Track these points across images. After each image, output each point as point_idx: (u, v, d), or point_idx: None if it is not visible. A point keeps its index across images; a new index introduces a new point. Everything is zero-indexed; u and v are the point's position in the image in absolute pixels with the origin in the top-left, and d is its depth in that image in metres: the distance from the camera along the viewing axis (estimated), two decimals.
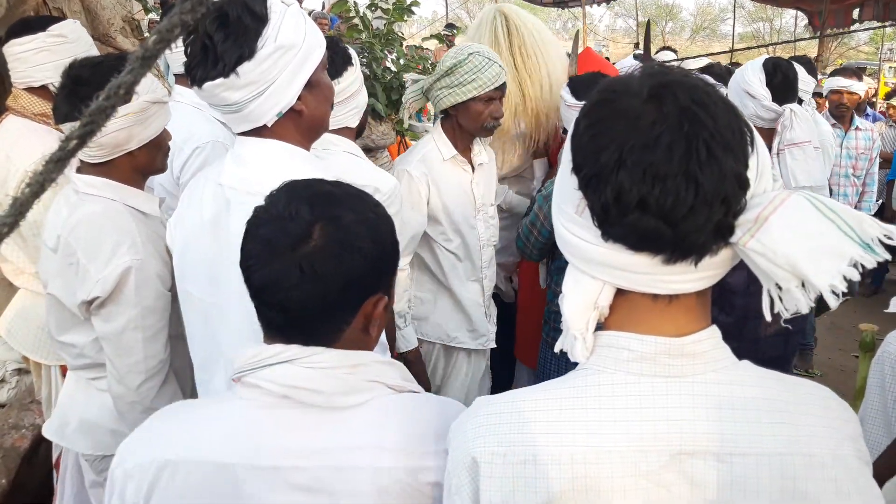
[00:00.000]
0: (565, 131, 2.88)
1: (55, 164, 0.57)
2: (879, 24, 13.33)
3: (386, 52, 4.05)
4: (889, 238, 0.77)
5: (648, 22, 5.21)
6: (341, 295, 1.02)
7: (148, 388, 1.75)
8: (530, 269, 2.98)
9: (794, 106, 2.72)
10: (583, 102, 2.67)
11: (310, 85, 1.46)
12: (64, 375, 2.13)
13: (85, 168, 1.77)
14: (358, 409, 1.04)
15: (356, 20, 3.99)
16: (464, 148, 2.58)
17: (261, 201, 1.38)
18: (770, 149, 2.77)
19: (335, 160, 1.99)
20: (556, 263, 2.69)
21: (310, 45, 1.43)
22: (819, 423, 0.83)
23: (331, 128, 1.97)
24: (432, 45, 7.00)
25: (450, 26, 11.00)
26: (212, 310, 1.51)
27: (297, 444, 1.01)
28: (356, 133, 2.26)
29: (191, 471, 1.02)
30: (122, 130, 1.69)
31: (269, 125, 1.43)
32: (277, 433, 1.02)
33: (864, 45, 26.25)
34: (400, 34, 4.49)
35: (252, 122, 1.42)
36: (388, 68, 3.98)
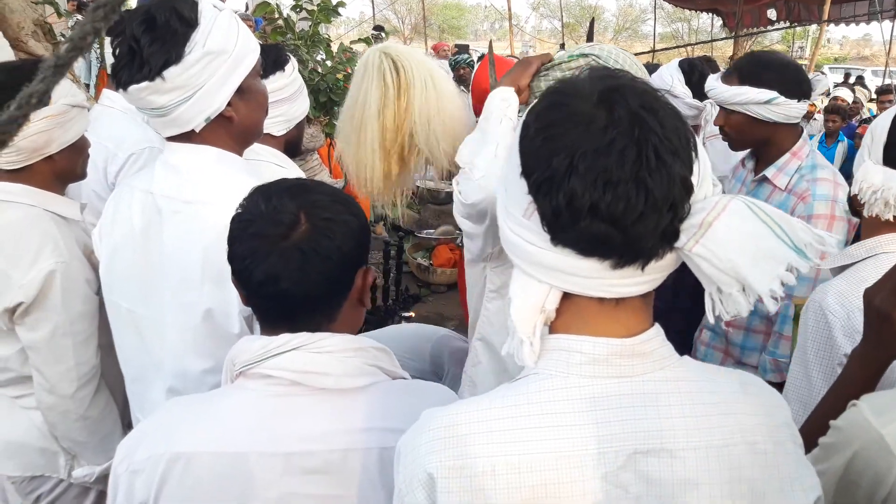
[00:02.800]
0: None
1: None
2: (789, 25, 13.95)
3: (312, 53, 4.02)
4: (822, 243, 0.80)
5: (592, 20, 5.26)
6: (339, 270, 1.09)
7: (82, 395, 1.70)
8: None
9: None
10: None
11: (241, 91, 1.44)
12: None
13: (1, 175, 1.70)
14: (362, 393, 1.09)
15: (280, 22, 3.94)
16: None
17: (196, 210, 1.37)
18: None
19: (263, 170, 1.91)
20: None
21: (241, 51, 1.41)
22: (757, 411, 0.85)
23: None
24: (360, 47, 6.97)
25: (378, 28, 10.98)
26: (144, 322, 1.47)
27: (308, 430, 1.05)
28: (293, 147, 2.17)
29: (204, 461, 1.04)
30: (41, 134, 1.63)
31: (198, 130, 1.41)
32: (288, 420, 1.06)
33: (777, 44, 27.40)
34: (326, 36, 4.45)
35: (179, 126, 1.40)
36: (316, 70, 3.94)
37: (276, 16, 3.95)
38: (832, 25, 12.96)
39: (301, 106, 2.13)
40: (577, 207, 0.77)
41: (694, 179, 0.80)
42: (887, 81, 10.17)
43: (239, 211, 1.12)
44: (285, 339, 1.07)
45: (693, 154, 0.81)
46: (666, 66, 2.99)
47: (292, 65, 2.08)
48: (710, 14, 15.96)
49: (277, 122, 2.08)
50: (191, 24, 1.33)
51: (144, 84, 1.31)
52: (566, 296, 0.85)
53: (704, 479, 0.80)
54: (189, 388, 1.41)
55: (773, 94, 2.02)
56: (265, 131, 2.00)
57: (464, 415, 0.84)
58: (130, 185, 1.52)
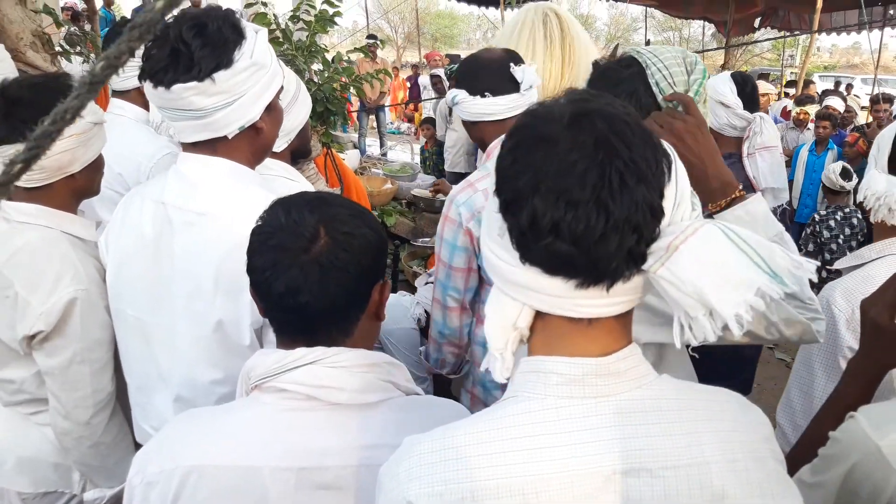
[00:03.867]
0: None
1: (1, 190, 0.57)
2: (780, 35, 14.07)
3: (309, 63, 4.04)
4: (798, 268, 0.80)
5: (615, 47, 5.24)
6: (357, 284, 1.11)
7: (97, 422, 1.68)
8: None
9: (762, 113, 2.99)
10: None
11: (269, 107, 1.48)
12: None
13: (17, 195, 1.67)
14: (376, 409, 1.11)
15: (277, 33, 3.96)
16: None
17: (209, 222, 1.38)
18: (741, 153, 2.97)
19: (275, 184, 1.91)
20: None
21: (275, 69, 1.47)
22: (737, 428, 0.86)
23: None
24: (356, 56, 7.01)
25: (371, 37, 11.02)
26: (153, 329, 1.48)
27: (322, 445, 1.07)
28: (300, 154, 2.17)
29: (218, 475, 1.05)
30: (66, 152, 1.63)
31: (230, 137, 1.44)
32: (302, 435, 1.07)
33: (767, 53, 27.56)
34: (323, 46, 4.48)
35: (213, 131, 1.42)
36: (313, 80, 3.96)
37: (273, 26, 3.97)
38: (822, 34, 13.07)
39: (297, 116, 2.08)
40: (539, 226, 0.78)
41: (666, 204, 0.81)
42: (878, 90, 10.24)
43: (259, 223, 1.14)
44: (301, 353, 1.08)
45: (665, 178, 0.81)
46: (717, 77, 3.06)
47: (290, 78, 2.06)
48: (702, 22, 16.09)
49: (280, 138, 2.04)
50: (241, 34, 1.39)
51: (192, 84, 1.33)
52: (540, 315, 0.86)
53: (685, 498, 0.81)
54: (198, 397, 1.43)
55: (455, 92, 2.01)
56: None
57: (443, 440, 0.85)
58: (141, 195, 1.54)
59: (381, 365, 1.14)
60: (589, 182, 0.76)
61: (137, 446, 1.76)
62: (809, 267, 0.82)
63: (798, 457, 1.25)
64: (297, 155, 2.19)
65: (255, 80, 1.42)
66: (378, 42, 7.41)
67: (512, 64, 1.98)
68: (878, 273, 1.58)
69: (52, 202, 1.68)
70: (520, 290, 0.84)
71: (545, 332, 0.86)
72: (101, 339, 1.67)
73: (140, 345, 1.52)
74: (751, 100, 2.99)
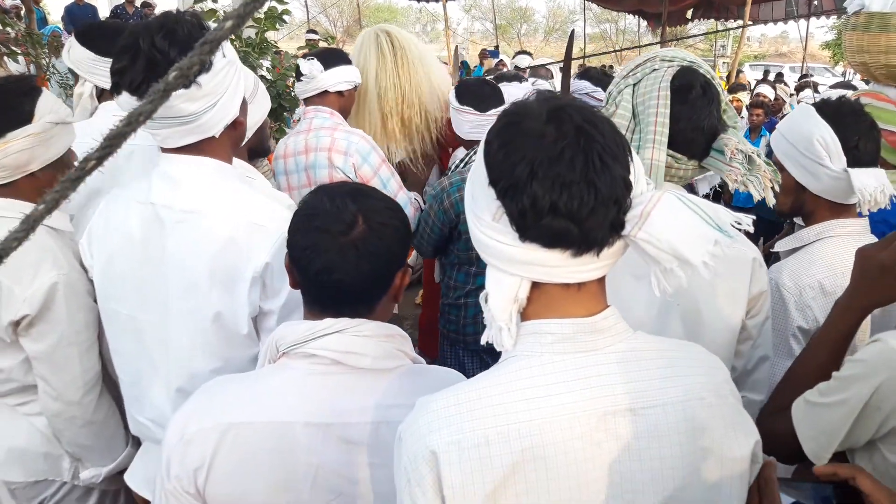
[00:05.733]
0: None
1: (71, 183, 0.64)
2: (714, 31, 14.54)
3: (259, 61, 4.07)
4: (738, 224, 0.97)
5: (572, 32, 5.28)
6: (384, 269, 1.23)
7: (87, 401, 1.74)
8: (428, 265, 3.13)
9: None
10: (466, 107, 2.80)
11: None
12: None
13: None
14: (391, 374, 1.23)
15: None
16: None
17: (200, 219, 1.45)
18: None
19: (257, 182, 1.92)
20: (449, 259, 2.86)
21: (239, 62, 1.53)
22: (703, 372, 1.02)
23: None
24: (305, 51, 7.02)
25: (311, 31, 11.00)
26: (145, 326, 1.54)
27: (346, 404, 1.19)
28: (257, 152, 2.22)
29: (255, 431, 1.16)
30: (23, 152, 1.65)
31: (217, 136, 1.49)
32: (329, 394, 1.19)
33: (700, 43, 28.38)
34: (273, 42, 4.51)
35: (202, 133, 1.47)
36: (265, 77, 4.00)
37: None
38: (752, 24, 13.56)
39: (256, 113, 2.08)
40: (539, 207, 0.91)
41: (632, 178, 0.95)
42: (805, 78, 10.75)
43: (302, 205, 1.25)
44: (329, 322, 1.20)
45: (629, 158, 0.96)
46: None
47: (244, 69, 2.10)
48: (636, 16, 16.51)
49: None
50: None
51: (181, 92, 1.37)
52: (535, 286, 0.98)
53: (664, 431, 0.96)
54: (198, 387, 1.47)
55: None
56: None
57: (455, 396, 0.97)
58: (125, 197, 1.57)
59: (395, 336, 1.26)
60: (577, 165, 0.90)
61: (135, 440, 1.81)
62: (747, 220, 0.98)
63: (791, 384, 1.43)
64: (253, 153, 2.23)
65: (231, 76, 1.47)
66: (329, 38, 7.42)
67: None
68: (819, 255, 1.72)
69: (21, 198, 1.71)
70: (518, 266, 0.96)
71: (540, 300, 0.99)
72: (86, 321, 1.73)
73: (132, 342, 1.57)
74: None
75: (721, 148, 1.50)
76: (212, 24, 1.50)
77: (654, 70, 1.53)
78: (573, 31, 5.92)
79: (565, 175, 0.90)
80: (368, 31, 3.12)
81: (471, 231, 1.02)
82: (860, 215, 1.77)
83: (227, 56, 1.45)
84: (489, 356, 2.81)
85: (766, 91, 7.90)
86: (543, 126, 0.93)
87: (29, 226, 0.66)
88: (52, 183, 1.72)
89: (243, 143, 2.08)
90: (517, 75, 3.99)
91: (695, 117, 1.47)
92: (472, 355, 2.85)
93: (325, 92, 2.69)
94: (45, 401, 1.73)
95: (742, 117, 7.72)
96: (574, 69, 4.69)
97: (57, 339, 1.68)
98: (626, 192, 0.94)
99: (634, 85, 1.55)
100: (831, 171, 1.70)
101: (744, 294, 1.50)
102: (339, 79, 2.69)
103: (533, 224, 0.92)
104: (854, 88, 6.53)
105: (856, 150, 1.69)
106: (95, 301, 1.74)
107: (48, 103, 1.70)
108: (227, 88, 1.46)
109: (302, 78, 2.68)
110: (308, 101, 2.74)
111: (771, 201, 1.53)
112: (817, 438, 1.31)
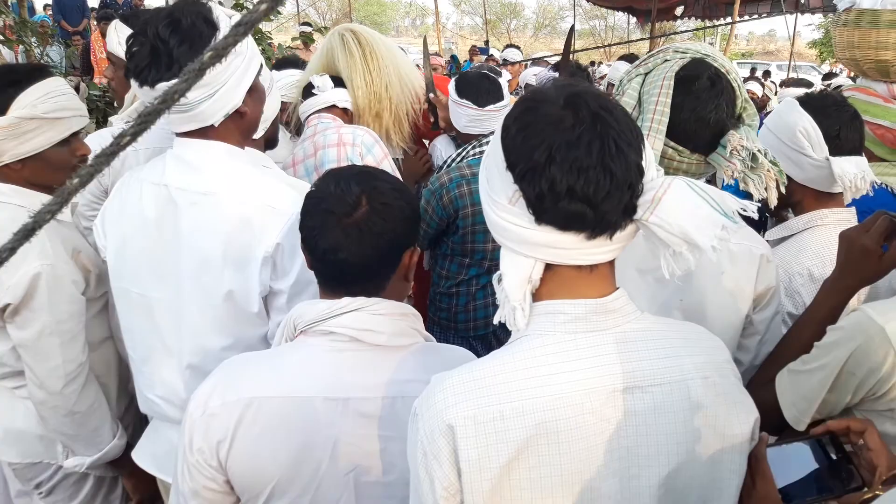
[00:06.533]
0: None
1: (106, 158, 0.66)
2: (702, 26, 14.62)
3: None
4: (744, 210, 1.00)
5: (572, 27, 5.34)
6: (389, 248, 1.27)
7: (69, 391, 1.75)
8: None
9: None
10: (465, 101, 2.83)
11: (251, 89, 1.56)
12: None
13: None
14: (406, 351, 1.28)
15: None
16: None
17: (213, 200, 1.48)
18: None
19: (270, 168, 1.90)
20: (441, 250, 2.89)
21: (252, 53, 1.55)
22: (705, 351, 1.06)
23: None
24: (297, 42, 7.03)
25: (305, 24, 10.96)
26: (157, 305, 1.57)
27: (363, 379, 1.23)
28: (270, 143, 2.19)
29: (276, 405, 1.21)
30: None
31: (216, 125, 1.51)
32: (347, 370, 1.23)
33: (689, 41, 28.48)
34: (268, 33, 4.51)
35: (200, 122, 1.50)
36: None
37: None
38: (740, 22, 13.64)
39: (274, 102, 2.13)
40: (557, 191, 0.93)
41: (644, 164, 0.98)
42: (792, 75, 10.86)
43: (313, 189, 1.29)
44: (347, 301, 1.24)
45: (642, 143, 0.99)
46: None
47: (262, 63, 2.13)
48: (626, 13, 16.57)
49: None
50: (214, 26, 1.45)
51: (175, 81, 1.38)
52: (548, 267, 1.01)
53: (669, 408, 1.00)
54: (209, 363, 1.50)
55: None
56: None
57: (471, 373, 1.00)
58: (138, 178, 1.60)
59: (409, 315, 1.31)
60: (594, 150, 0.93)
61: (143, 417, 1.83)
62: (752, 207, 1.01)
63: (778, 359, 1.49)
64: (268, 145, 2.25)
65: (234, 67, 1.49)
66: (322, 29, 7.42)
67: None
68: (808, 243, 1.77)
69: (16, 183, 1.73)
70: (533, 248, 0.99)
71: (553, 281, 1.02)
72: (70, 312, 1.74)
73: (144, 320, 1.60)
74: None
75: (725, 143, 1.47)
76: (223, 14, 1.50)
77: (666, 60, 1.52)
78: (573, 26, 6.03)
79: (583, 159, 0.92)
80: (332, 32, 3.15)
81: (486, 214, 1.04)
82: (848, 206, 1.82)
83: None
84: (479, 343, 2.87)
85: (755, 88, 7.99)
86: (561, 111, 0.95)
87: (63, 198, 0.68)
88: (37, 177, 1.76)
89: (257, 134, 2.11)
90: (495, 70, 4.07)
91: (699, 108, 1.44)
92: (463, 342, 2.89)
93: (333, 107, 2.77)
94: (31, 388, 1.75)
95: None
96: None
97: (39, 329, 1.70)
98: (639, 178, 0.97)
99: (645, 75, 1.54)
100: (814, 159, 1.75)
101: (749, 291, 1.52)
102: (345, 97, 2.79)
103: (550, 207, 0.94)
104: (809, 85, 6.68)
105: (837, 139, 1.74)
106: (83, 293, 1.77)
107: (30, 97, 1.68)
108: (228, 79, 1.48)
109: (314, 91, 2.75)
110: (311, 116, 2.81)
111: (773, 202, 1.49)
112: (797, 404, 1.38)
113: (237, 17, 1.49)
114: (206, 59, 0.63)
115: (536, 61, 6.44)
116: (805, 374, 1.37)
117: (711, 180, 1.73)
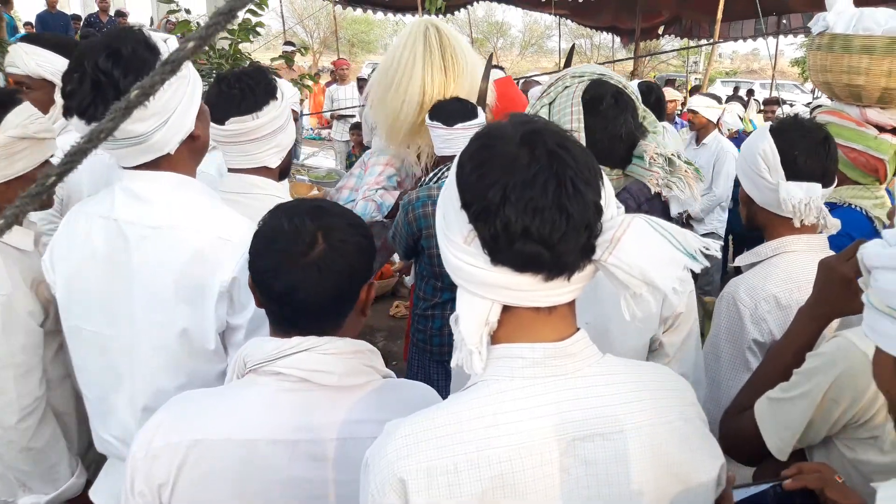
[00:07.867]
0: None
1: (31, 199, 0.64)
2: (686, 46, 14.78)
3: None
4: (707, 249, 0.97)
5: (572, 47, 5.39)
6: (348, 285, 1.23)
7: (24, 427, 1.69)
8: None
9: (666, 123, 3.18)
10: (435, 122, 2.86)
11: (199, 111, 1.51)
12: None
13: None
14: (359, 390, 1.24)
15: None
16: None
17: (165, 234, 1.43)
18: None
19: (259, 205, 1.72)
20: (419, 270, 2.88)
21: (194, 73, 1.50)
22: (669, 395, 1.03)
23: (247, 166, 1.96)
24: (280, 63, 7.00)
25: (289, 44, 10.97)
26: (110, 343, 1.51)
27: (313, 421, 1.19)
28: (283, 174, 2.13)
29: (220, 447, 1.16)
30: None
31: (172, 153, 1.46)
32: (295, 411, 1.19)
33: (673, 59, 28.78)
34: (248, 54, 4.49)
35: (156, 151, 1.44)
36: None
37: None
38: (722, 41, 13.82)
39: (291, 131, 2.06)
40: (512, 231, 0.91)
41: (602, 203, 0.96)
42: (775, 93, 11.00)
43: (262, 226, 1.24)
44: (297, 341, 1.20)
45: (600, 182, 0.97)
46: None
47: (284, 90, 2.01)
48: (610, 32, 16.72)
49: (274, 153, 2.00)
50: (156, 51, 1.40)
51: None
52: (506, 309, 0.98)
53: (632, 456, 0.96)
54: (162, 404, 1.47)
55: None
56: (260, 163, 1.97)
57: (424, 422, 0.96)
58: (85, 212, 1.55)
59: (364, 352, 1.26)
60: (550, 190, 0.90)
61: (100, 456, 1.76)
62: (715, 246, 0.99)
63: (754, 387, 1.48)
64: (282, 174, 2.16)
65: (182, 91, 1.44)
66: (301, 49, 7.42)
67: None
68: (775, 269, 1.75)
69: None
70: (490, 289, 0.96)
71: (511, 323, 0.99)
72: (25, 345, 1.68)
73: (97, 359, 1.55)
74: (657, 109, 3.18)
75: (641, 154, 1.54)
76: (158, 37, 1.46)
77: (567, 87, 1.56)
78: (573, 45, 6.12)
79: (538, 200, 0.90)
80: (417, 22, 3.16)
81: (442, 253, 1.01)
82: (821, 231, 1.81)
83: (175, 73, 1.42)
84: None
85: (675, 94, 8.03)
86: (517, 149, 0.93)
87: None
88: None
89: (205, 154, 2.05)
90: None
91: (609, 126, 1.51)
92: (438, 365, 2.88)
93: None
94: None
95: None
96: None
97: None
98: (597, 217, 0.94)
99: (550, 104, 1.57)
100: (768, 182, 1.75)
101: (655, 317, 1.49)
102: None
103: (505, 248, 0.92)
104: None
105: (794, 163, 1.72)
106: (41, 325, 1.71)
107: (18, 118, 1.66)
108: (177, 105, 1.43)
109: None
110: None
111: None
112: (780, 433, 1.35)
113: (172, 39, 1.46)
114: (132, 97, 0.61)
115: (527, 82, 6.50)
116: (787, 402, 1.34)
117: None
